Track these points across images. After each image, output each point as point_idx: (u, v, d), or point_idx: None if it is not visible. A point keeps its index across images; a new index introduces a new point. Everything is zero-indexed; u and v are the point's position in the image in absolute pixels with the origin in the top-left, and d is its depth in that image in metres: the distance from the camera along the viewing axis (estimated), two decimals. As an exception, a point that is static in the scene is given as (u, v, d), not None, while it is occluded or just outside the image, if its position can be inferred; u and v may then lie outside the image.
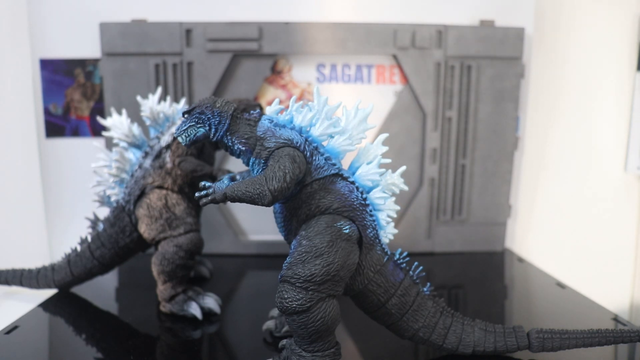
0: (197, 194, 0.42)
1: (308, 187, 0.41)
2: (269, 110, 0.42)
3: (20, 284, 0.62)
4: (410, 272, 0.45)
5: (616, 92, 0.86)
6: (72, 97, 0.82)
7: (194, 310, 0.55)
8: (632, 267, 0.91)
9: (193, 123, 0.42)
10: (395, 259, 0.44)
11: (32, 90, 0.81)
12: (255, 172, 0.42)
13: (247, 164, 0.43)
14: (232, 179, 0.44)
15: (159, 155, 0.57)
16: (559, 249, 0.89)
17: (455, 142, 0.81)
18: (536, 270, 0.75)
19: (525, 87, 0.83)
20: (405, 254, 0.45)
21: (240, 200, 0.39)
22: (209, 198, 0.41)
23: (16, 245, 0.77)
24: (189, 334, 0.52)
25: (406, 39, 0.78)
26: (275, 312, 0.53)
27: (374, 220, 0.43)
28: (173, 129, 0.58)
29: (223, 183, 0.43)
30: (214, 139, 0.42)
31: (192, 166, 0.55)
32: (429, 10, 0.81)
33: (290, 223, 0.43)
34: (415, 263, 0.45)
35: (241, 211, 0.84)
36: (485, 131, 0.81)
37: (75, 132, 0.83)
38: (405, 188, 0.45)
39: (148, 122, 0.58)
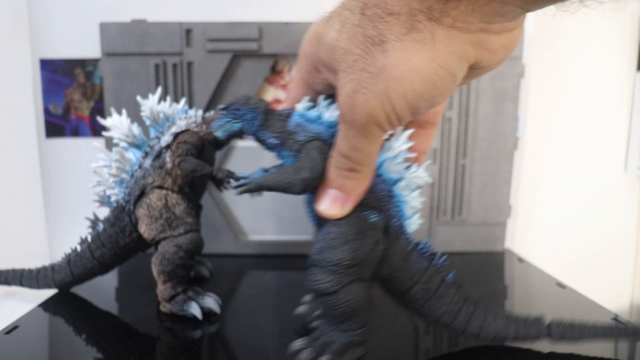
0: (233, 184, 0.44)
1: None
2: (299, 107, 0.45)
3: (20, 284, 0.62)
4: (434, 261, 0.47)
5: (616, 92, 0.86)
6: (72, 97, 0.82)
7: (194, 310, 0.55)
8: (632, 267, 0.91)
9: (229, 119, 0.46)
10: (420, 247, 0.46)
11: (32, 90, 0.81)
12: (287, 163, 0.45)
13: (279, 157, 0.46)
14: (266, 170, 0.47)
15: (159, 155, 0.57)
16: (559, 249, 0.89)
17: (455, 142, 0.81)
18: (536, 270, 0.75)
19: (525, 87, 0.83)
20: (429, 243, 0.47)
21: (273, 189, 0.42)
22: (244, 188, 0.43)
23: (16, 245, 0.77)
24: (189, 334, 0.52)
25: (406, 39, 0.78)
26: (308, 297, 0.55)
27: (399, 211, 0.45)
28: (173, 129, 0.58)
29: (257, 174, 0.45)
30: (249, 133, 0.46)
31: (192, 166, 0.55)
32: (429, 10, 0.81)
33: None
34: (440, 252, 0.47)
35: (241, 211, 0.85)
36: (485, 131, 0.81)
37: (75, 132, 0.83)
38: (430, 180, 0.47)
39: (148, 122, 0.58)
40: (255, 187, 0.43)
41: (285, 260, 0.81)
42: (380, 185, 0.44)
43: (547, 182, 0.89)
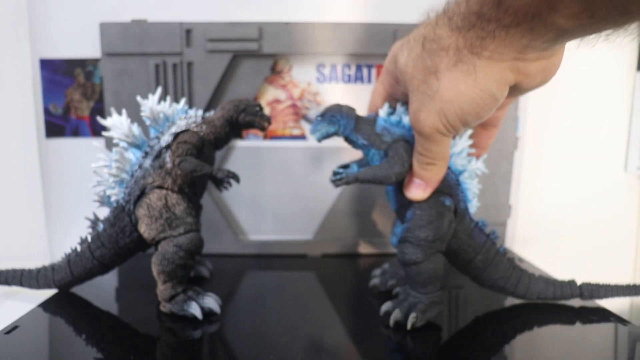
0: (331, 178, 0.54)
1: None
2: (381, 113, 0.54)
3: (20, 284, 0.62)
4: (491, 236, 0.57)
5: (616, 92, 0.86)
6: (72, 97, 0.82)
7: (194, 310, 0.55)
8: (632, 267, 0.91)
9: (326, 123, 0.55)
10: (479, 225, 0.56)
11: (32, 90, 0.81)
12: (375, 161, 0.54)
13: (368, 155, 0.55)
14: (358, 166, 0.58)
15: (159, 155, 0.57)
16: (559, 249, 0.89)
17: (455, 142, 0.81)
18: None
19: (525, 87, 0.83)
20: (485, 221, 0.57)
21: (370, 181, 0.52)
22: (343, 181, 0.53)
23: (16, 245, 0.77)
24: (189, 334, 0.52)
25: (406, 39, 0.78)
26: (377, 272, 0.67)
27: (464, 196, 0.55)
28: (173, 129, 0.58)
29: (353, 169, 0.57)
30: (342, 135, 0.55)
31: (192, 166, 0.55)
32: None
33: (403, 197, 0.54)
34: (493, 229, 0.57)
35: (241, 211, 0.84)
36: (485, 131, 0.81)
37: (75, 132, 0.83)
38: (486, 171, 0.57)
39: (148, 122, 0.58)
40: (353, 180, 0.53)
41: (285, 260, 0.81)
42: (451, 175, 0.54)
43: (547, 182, 0.89)
